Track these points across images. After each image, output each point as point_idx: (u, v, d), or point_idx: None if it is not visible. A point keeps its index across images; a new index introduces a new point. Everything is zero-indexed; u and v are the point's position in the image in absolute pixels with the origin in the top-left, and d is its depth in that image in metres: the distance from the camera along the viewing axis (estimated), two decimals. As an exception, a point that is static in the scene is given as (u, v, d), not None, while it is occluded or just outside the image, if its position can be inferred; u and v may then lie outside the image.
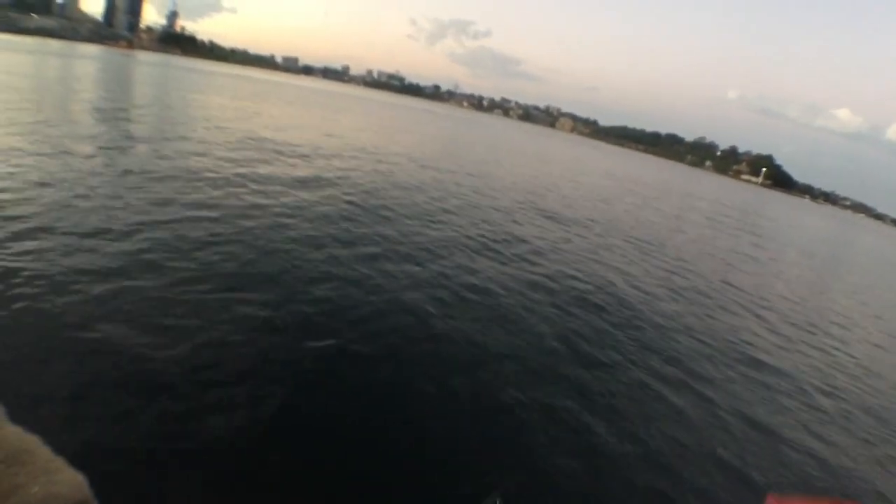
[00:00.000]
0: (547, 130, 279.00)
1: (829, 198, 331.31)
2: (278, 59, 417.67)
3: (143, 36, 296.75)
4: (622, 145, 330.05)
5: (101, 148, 16.17)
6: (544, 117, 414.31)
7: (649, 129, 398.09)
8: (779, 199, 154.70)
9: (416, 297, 9.27)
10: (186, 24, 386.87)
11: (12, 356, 5.41)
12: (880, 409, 9.98)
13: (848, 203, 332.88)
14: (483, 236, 14.76)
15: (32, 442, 0.78)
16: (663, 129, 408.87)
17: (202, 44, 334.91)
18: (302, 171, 18.17)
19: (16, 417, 0.94)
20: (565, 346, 8.80)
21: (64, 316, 6.29)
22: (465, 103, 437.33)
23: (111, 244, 8.62)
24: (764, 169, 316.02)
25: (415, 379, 6.74)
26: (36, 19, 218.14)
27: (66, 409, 4.82)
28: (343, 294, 8.63)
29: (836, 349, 13.37)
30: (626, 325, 10.67)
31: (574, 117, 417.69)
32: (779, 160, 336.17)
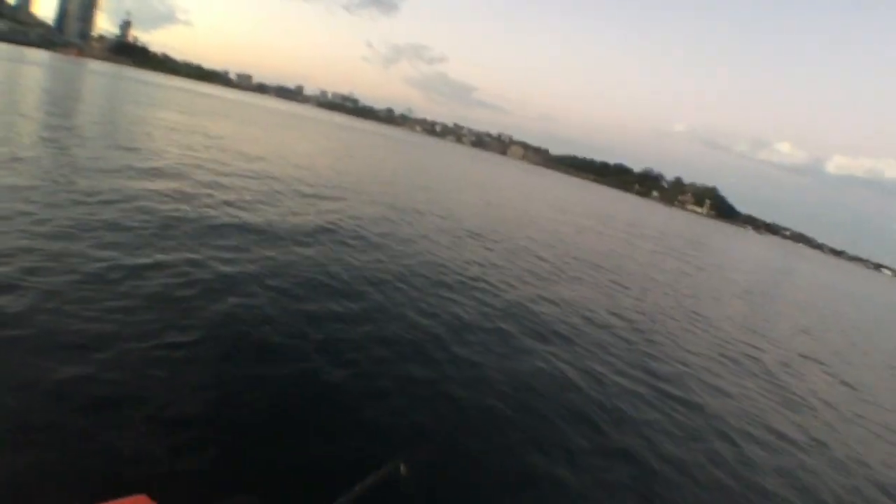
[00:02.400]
0: (497, 158, 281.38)
1: (770, 228, 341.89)
2: (232, 76, 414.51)
3: (95, 44, 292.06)
4: (572, 174, 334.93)
5: (39, 165, 15.21)
6: (496, 144, 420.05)
7: (599, 158, 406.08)
8: (722, 230, 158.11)
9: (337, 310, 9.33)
10: (139, 35, 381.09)
11: None
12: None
13: (788, 233, 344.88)
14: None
15: None
16: (612, 159, 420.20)
17: (155, 56, 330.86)
18: (253, 195, 17.59)
19: None
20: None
21: None
22: (418, 128, 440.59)
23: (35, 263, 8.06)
24: (708, 200, 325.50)
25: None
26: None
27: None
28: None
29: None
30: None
31: (525, 145, 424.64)
32: (723, 191, 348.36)
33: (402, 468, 2.75)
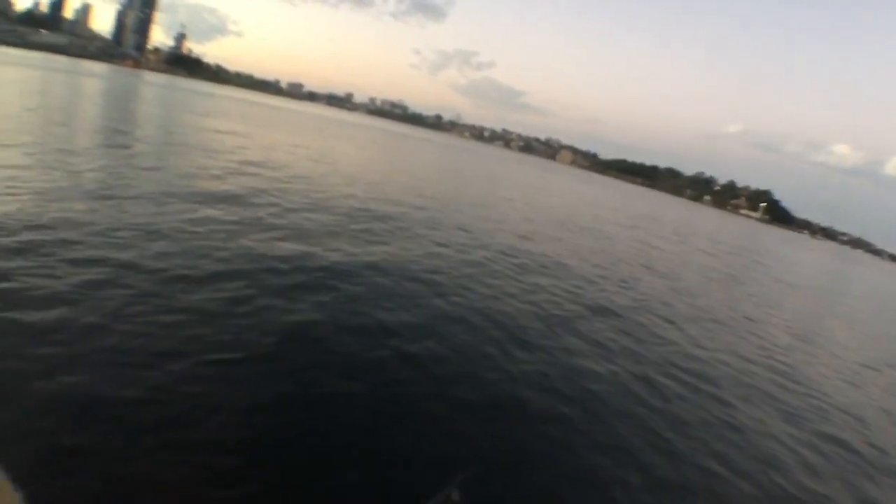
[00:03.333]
0: (546, 163, 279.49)
1: (827, 233, 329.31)
2: (283, 85, 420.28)
3: (151, 56, 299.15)
4: (621, 179, 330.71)
5: (106, 168, 16.33)
6: (545, 149, 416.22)
7: (649, 162, 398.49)
8: (778, 235, 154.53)
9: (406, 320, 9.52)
10: (193, 46, 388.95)
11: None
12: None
13: (846, 238, 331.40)
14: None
15: None
16: (663, 163, 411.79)
17: (208, 66, 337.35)
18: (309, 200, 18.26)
19: None
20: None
21: (59, 332, 6.32)
22: (466, 133, 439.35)
23: (107, 262, 8.64)
24: (763, 204, 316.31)
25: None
26: (45, 35, 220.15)
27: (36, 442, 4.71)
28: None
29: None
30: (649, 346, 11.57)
31: (574, 150, 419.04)
32: (777, 195, 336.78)
33: (455, 495, 2.92)
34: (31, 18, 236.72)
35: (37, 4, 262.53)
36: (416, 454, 5.83)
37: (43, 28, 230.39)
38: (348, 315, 9.10)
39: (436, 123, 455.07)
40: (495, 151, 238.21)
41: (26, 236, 9.02)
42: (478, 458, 5.86)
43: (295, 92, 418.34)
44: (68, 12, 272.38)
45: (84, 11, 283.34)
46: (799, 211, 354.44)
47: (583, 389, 8.63)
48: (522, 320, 11.28)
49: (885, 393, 14.09)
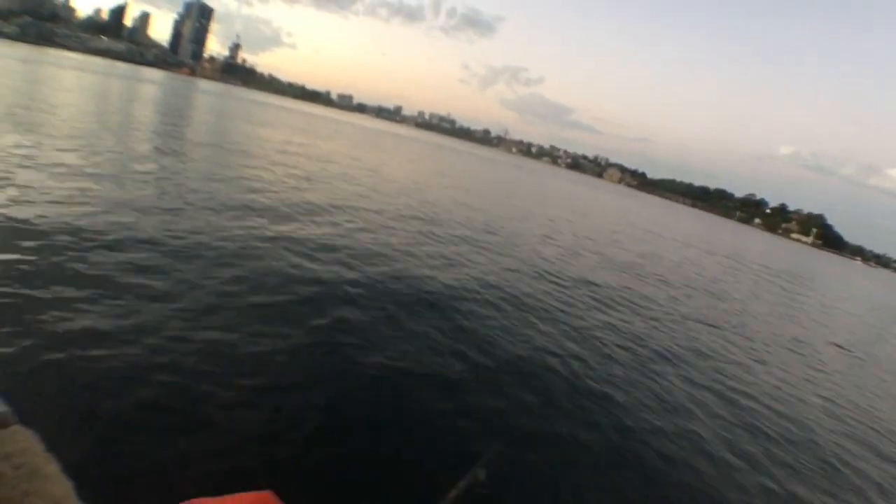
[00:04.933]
0: (594, 180, 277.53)
1: (880, 260, 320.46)
2: (333, 96, 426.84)
3: (206, 65, 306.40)
4: (669, 198, 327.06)
5: (163, 177, 15.33)
6: (592, 167, 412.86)
7: (698, 182, 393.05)
8: (831, 261, 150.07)
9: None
10: (247, 57, 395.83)
11: (31, 363, 5.23)
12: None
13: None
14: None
15: (37, 445, 0.92)
16: (712, 184, 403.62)
17: (261, 76, 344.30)
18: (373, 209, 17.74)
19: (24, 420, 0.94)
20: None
21: (113, 328, 6.19)
22: (514, 149, 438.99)
23: (161, 264, 8.54)
24: (815, 228, 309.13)
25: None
26: (105, 41, 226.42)
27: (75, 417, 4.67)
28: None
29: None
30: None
31: (622, 168, 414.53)
32: (830, 219, 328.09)
33: (482, 474, 2.91)
34: (92, 25, 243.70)
35: (98, 12, 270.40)
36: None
37: (103, 35, 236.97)
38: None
39: (483, 138, 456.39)
40: (543, 168, 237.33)
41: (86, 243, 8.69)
42: (504, 438, 6.10)
43: (345, 103, 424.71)
44: (128, 20, 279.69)
45: (143, 20, 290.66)
46: (852, 237, 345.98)
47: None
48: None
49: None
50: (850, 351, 18.44)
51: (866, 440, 9.93)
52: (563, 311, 12.23)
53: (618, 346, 10.85)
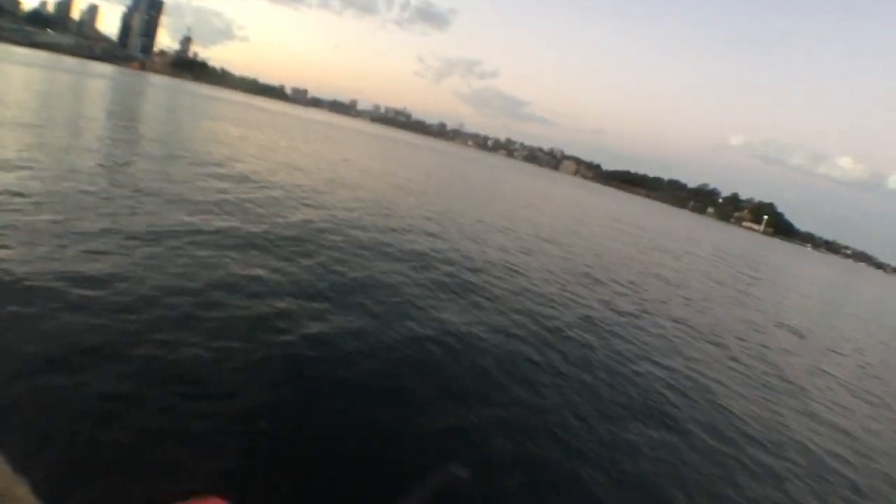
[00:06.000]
0: (550, 173, 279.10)
1: (830, 246, 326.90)
2: (288, 90, 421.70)
3: (157, 59, 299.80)
4: (625, 190, 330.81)
5: (109, 167, 15.88)
6: (548, 159, 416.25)
7: (652, 173, 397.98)
8: (781, 248, 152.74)
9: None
10: (199, 50, 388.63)
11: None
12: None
13: (849, 252, 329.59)
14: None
15: (3, 466, 0.93)
16: (666, 175, 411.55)
17: (213, 70, 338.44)
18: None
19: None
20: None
21: (62, 328, 6.18)
22: (470, 142, 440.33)
23: (108, 259, 8.45)
24: (766, 217, 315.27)
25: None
26: (51, 35, 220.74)
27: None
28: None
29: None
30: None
31: (578, 160, 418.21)
32: (780, 208, 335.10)
33: (463, 472, 2.52)
34: (38, 18, 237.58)
35: (44, 4, 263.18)
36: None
37: (49, 28, 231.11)
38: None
39: (439, 132, 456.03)
40: (499, 161, 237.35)
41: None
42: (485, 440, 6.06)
43: (299, 97, 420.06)
44: (75, 13, 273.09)
45: (90, 13, 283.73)
46: (802, 224, 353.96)
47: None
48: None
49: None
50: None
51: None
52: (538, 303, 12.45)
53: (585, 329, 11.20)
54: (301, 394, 6.08)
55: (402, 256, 13.59)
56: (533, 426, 6.68)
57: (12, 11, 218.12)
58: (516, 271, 15.27)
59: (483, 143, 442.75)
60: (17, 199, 10.39)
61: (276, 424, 5.35)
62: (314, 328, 7.86)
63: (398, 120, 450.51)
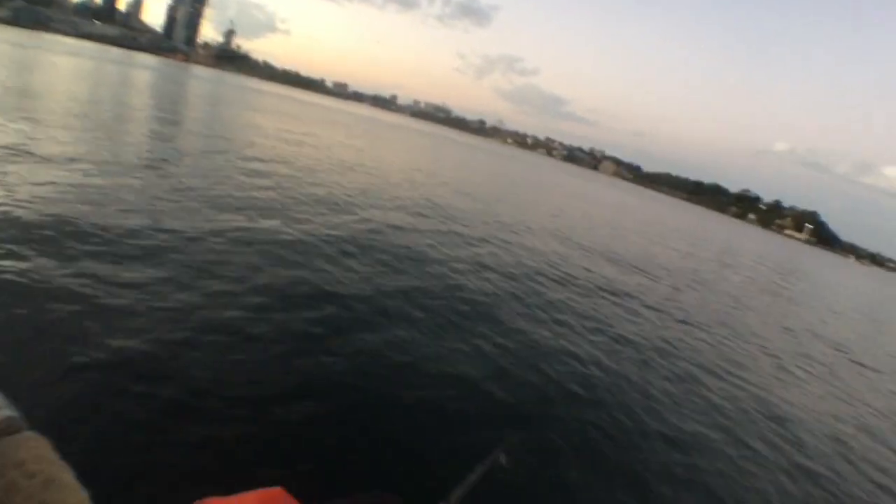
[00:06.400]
0: (589, 173, 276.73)
1: (875, 258, 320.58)
2: (329, 84, 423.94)
3: (200, 51, 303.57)
4: (665, 192, 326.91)
5: (156, 160, 15.42)
6: (588, 159, 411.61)
7: (693, 177, 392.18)
8: (823, 258, 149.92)
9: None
10: (242, 43, 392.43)
11: (35, 362, 5.09)
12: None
13: (894, 265, 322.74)
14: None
15: (51, 453, 0.95)
16: (707, 178, 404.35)
17: (256, 63, 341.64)
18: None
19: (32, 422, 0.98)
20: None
21: (94, 327, 5.87)
22: (509, 140, 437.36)
23: (149, 255, 8.19)
24: (809, 226, 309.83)
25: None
26: (98, 26, 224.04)
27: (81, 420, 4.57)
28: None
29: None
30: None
31: (618, 161, 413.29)
32: (823, 217, 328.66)
33: (503, 458, 2.91)
34: (85, 9, 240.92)
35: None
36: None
37: (97, 19, 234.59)
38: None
39: (479, 128, 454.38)
40: (540, 160, 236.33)
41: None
42: (526, 422, 6.30)
43: (340, 91, 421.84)
44: (121, 4, 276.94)
45: (136, 4, 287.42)
46: (845, 234, 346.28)
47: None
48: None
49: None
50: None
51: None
52: (581, 303, 12.51)
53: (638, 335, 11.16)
54: (357, 402, 5.89)
55: (494, 269, 13.27)
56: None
57: (61, 3, 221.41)
58: (618, 302, 14.10)
59: (522, 141, 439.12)
60: (68, 194, 10.14)
61: (329, 426, 5.29)
62: (387, 336, 7.67)
63: (437, 115, 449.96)
